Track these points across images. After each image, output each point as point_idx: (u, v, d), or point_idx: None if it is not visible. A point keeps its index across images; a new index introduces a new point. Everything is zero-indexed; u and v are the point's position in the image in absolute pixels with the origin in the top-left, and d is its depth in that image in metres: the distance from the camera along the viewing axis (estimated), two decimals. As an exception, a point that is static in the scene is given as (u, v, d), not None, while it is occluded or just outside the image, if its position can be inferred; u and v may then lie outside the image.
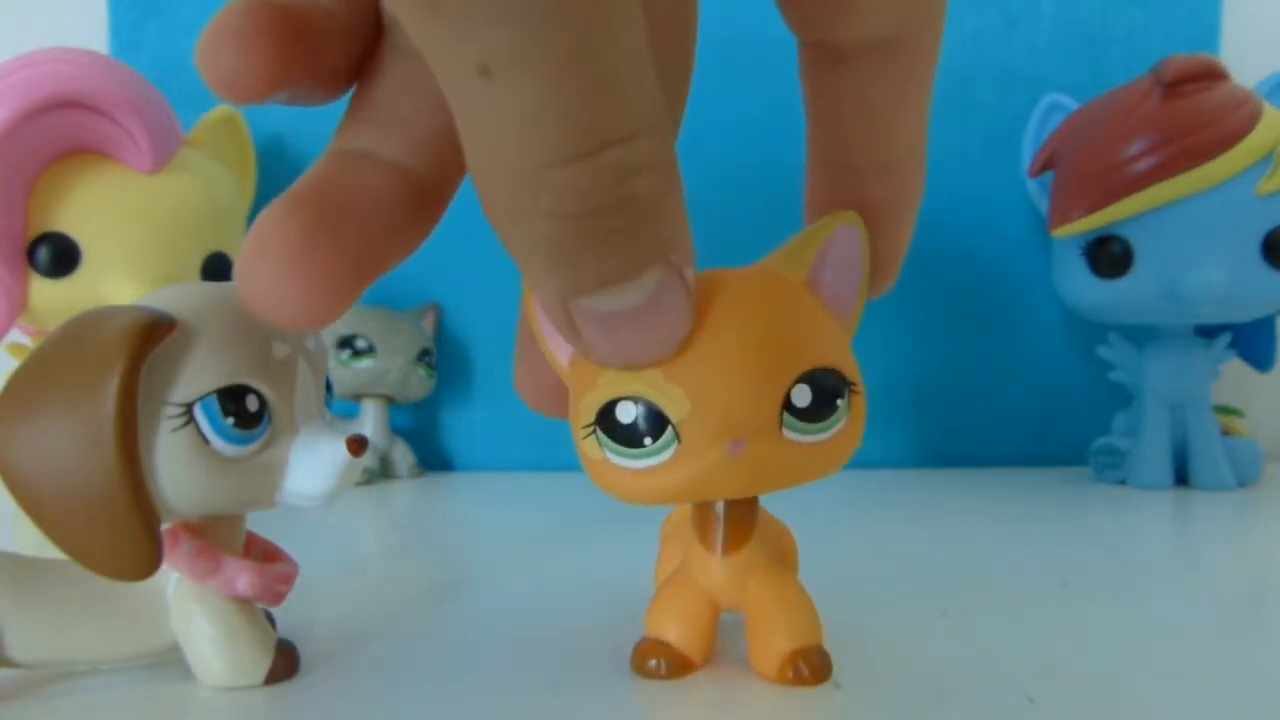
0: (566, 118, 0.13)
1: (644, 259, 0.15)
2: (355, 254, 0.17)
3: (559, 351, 0.20)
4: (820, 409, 0.18)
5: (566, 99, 0.12)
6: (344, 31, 0.17)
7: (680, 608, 0.21)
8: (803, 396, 0.18)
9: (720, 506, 0.21)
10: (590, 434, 0.19)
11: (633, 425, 0.18)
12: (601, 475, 0.19)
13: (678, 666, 0.21)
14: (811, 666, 0.20)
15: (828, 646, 0.21)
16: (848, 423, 0.19)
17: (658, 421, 0.18)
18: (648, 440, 0.18)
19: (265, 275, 0.15)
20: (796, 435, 0.18)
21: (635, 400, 0.18)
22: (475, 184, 0.15)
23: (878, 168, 0.20)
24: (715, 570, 0.21)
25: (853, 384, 0.19)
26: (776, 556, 0.22)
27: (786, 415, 0.18)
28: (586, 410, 0.19)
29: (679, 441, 0.18)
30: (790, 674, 0.20)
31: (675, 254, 0.15)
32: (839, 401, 0.19)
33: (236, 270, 0.16)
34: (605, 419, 0.18)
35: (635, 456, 0.18)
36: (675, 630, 0.21)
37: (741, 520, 0.21)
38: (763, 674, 0.21)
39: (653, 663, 0.21)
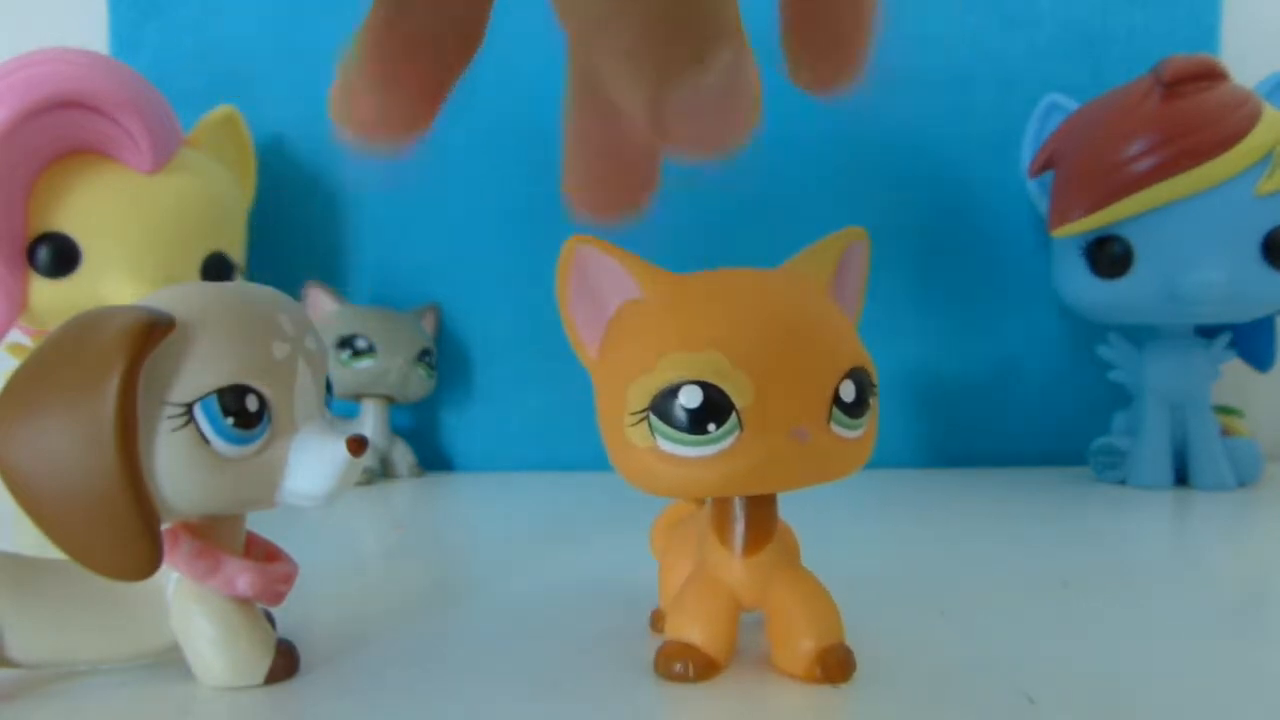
0: None
1: (717, 31, 0.16)
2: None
3: (588, 337, 0.20)
4: (860, 405, 0.19)
5: None
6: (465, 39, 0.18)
7: (704, 609, 0.21)
8: (849, 391, 0.19)
9: (740, 507, 0.21)
10: (641, 420, 0.18)
11: (700, 409, 0.18)
12: (642, 465, 0.19)
13: (704, 668, 0.20)
14: (838, 664, 0.20)
15: (827, 646, 0.21)
16: (871, 421, 0.20)
17: (721, 408, 0.18)
18: (712, 426, 0.18)
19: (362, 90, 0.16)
20: (842, 430, 0.19)
21: (701, 384, 0.18)
22: None
23: None
24: (738, 571, 0.21)
25: (875, 385, 0.20)
26: (794, 556, 0.22)
27: (835, 409, 0.19)
28: (638, 395, 0.18)
29: (742, 428, 0.18)
30: (818, 672, 0.20)
31: (734, 38, 0.16)
32: (870, 400, 0.19)
33: (335, 95, 0.17)
34: (664, 404, 0.18)
35: (695, 444, 0.18)
36: (700, 632, 0.21)
37: (762, 520, 0.21)
38: (788, 672, 0.20)
39: (678, 666, 0.20)
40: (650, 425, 0.18)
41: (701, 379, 0.18)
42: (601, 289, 0.20)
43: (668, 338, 0.19)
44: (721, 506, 0.21)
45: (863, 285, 0.22)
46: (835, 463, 0.19)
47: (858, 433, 0.19)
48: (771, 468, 0.18)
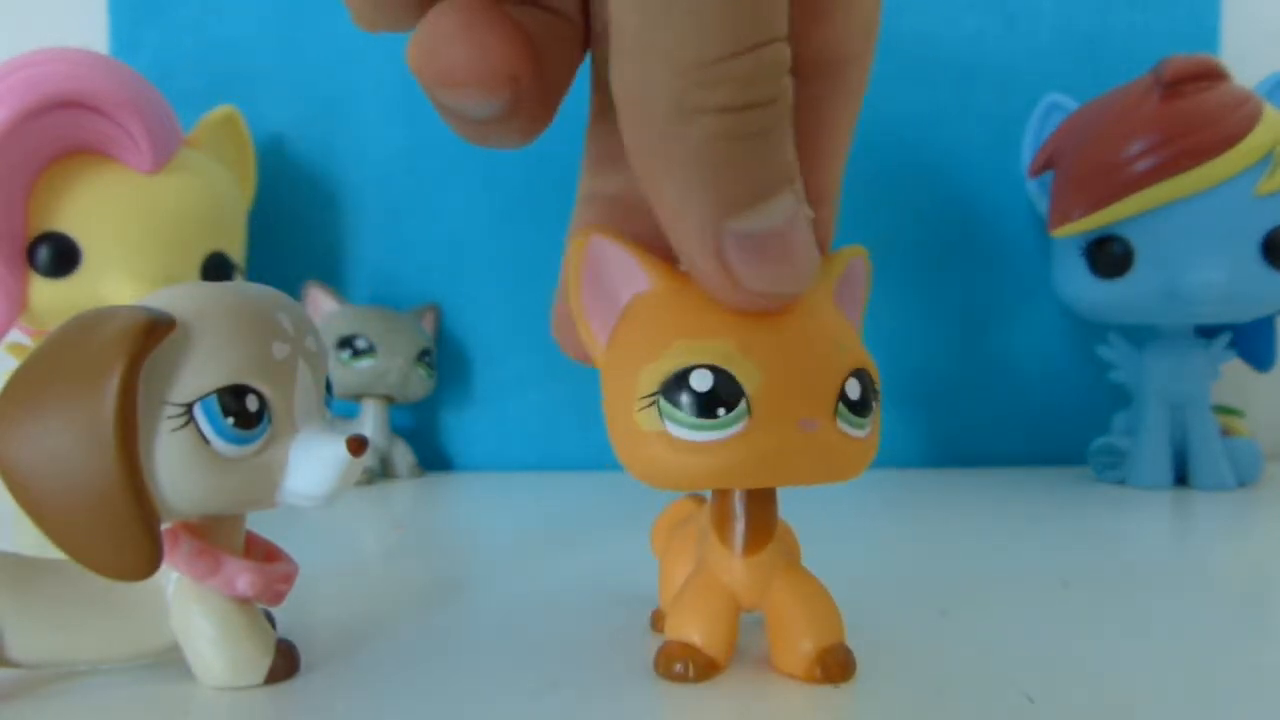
0: (739, 15, 0.15)
1: (781, 176, 0.16)
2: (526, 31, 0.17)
3: (599, 329, 0.21)
4: (864, 404, 0.19)
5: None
6: (563, 42, 0.18)
7: (704, 609, 0.21)
8: (855, 389, 0.19)
9: (740, 506, 0.21)
10: (650, 404, 0.18)
11: (710, 393, 0.18)
12: (649, 452, 0.19)
13: (704, 669, 0.20)
14: (838, 664, 0.20)
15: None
16: (873, 424, 0.20)
17: (734, 391, 0.18)
18: (721, 411, 0.18)
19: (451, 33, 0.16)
20: (847, 428, 0.19)
21: (711, 368, 0.18)
22: (632, 96, 0.16)
23: (816, 203, 0.20)
24: (738, 570, 0.21)
25: (877, 390, 0.20)
26: (794, 556, 0.22)
27: (841, 405, 0.19)
28: (648, 379, 0.18)
29: (750, 415, 0.18)
30: (818, 672, 0.20)
31: (797, 183, 0.17)
32: (874, 401, 0.19)
33: (413, 41, 0.16)
34: (674, 388, 0.18)
35: (704, 428, 0.18)
36: (700, 632, 0.21)
37: (763, 519, 0.21)
38: (788, 673, 0.20)
39: (679, 666, 0.20)
40: (660, 410, 0.18)
41: (712, 363, 0.18)
42: (614, 281, 0.20)
43: (679, 325, 0.19)
44: (722, 505, 0.21)
45: (860, 305, 0.22)
46: (842, 460, 0.19)
47: (862, 433, 0.19)
48: (779, 457, 0.18)
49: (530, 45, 0.17)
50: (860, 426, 0.19)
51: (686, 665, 0.20)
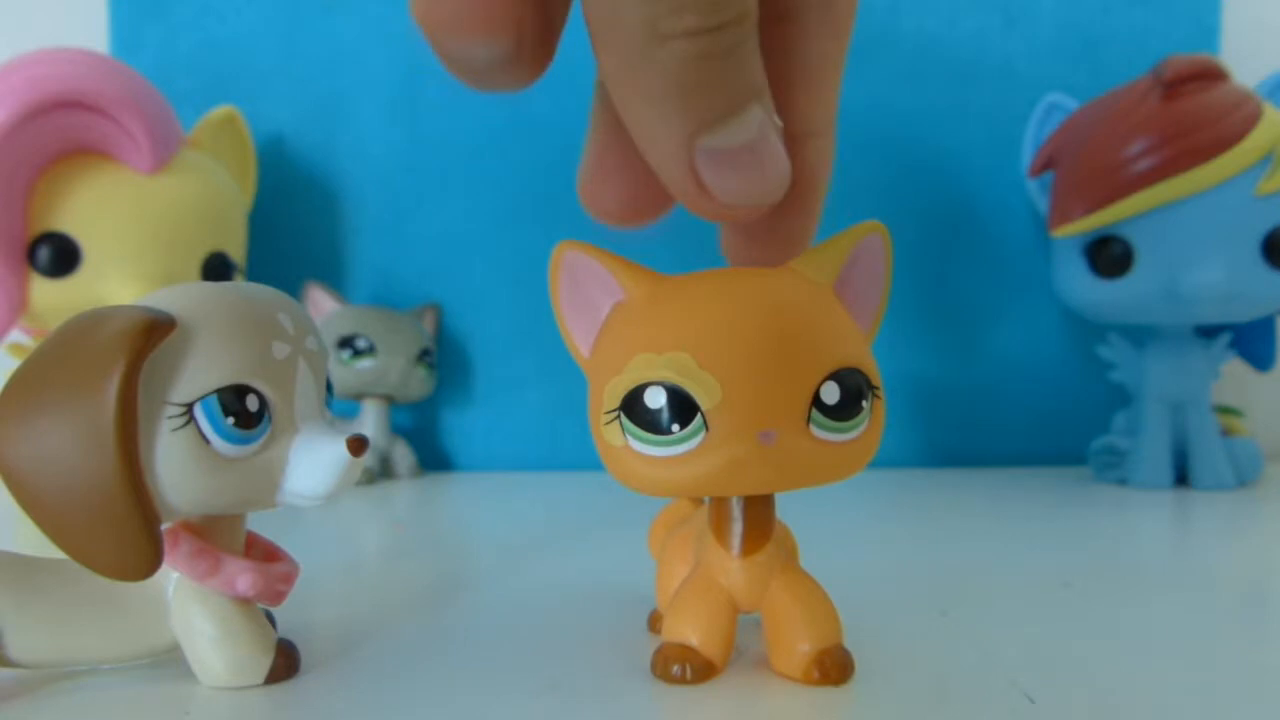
0: None
1: (749, 92, 0.17)
2: None
3: (581, 340, 0.21)
4: (847, 407, 0.18)
5: None
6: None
7: (702, 610, 0.21)
8: (831, 393, 0.18)
9: (738, 507, 0.21)
10: (613, 420, 0.19)
11: (659, 411, 0.18)
12: (620, 464, 0.19)
13: (702, 671, 0.20)
14: (836, 666, 0.20)
15: (828, 645, 0.21)
16: (869, 426, 0.19)
17: (686, 409, 0.18)
18: (675, 428, 0.18)
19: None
20: (823, 433, 0.18)
21: (665, 386, 0.18)
22: (604, 22, 0.16)
23: (810, 133, 0.20)
24: (735, 572, 0.21)
25: (875, 387, 0.19)
26: (792, 557, 0.22)
27: (815, 412, 0.18)
28: (610, 395, 0.19)
29: (706, 430, 0.18)
30: (816, 674, 0.20)
31: (765, 98, 0.17)
32: (864, 402, 0.19)
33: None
34: (631, 404, 0.18)
35: (661, 444, 0.18)
36: (698, 634, 0.20)
37: (760, 520, 0.21)
38: (786, 674, 0.20)
39: (676, 668, 0.20)
40: (622, 425, 0.19)
41: (665, 380, 0.18)
42: (591, 292, 0.21)
43: (639, 339, 0.19)
44: (719, 507, 0.21)
45: (881, 282, 0.21)
46: (817, 467, 0.19)
47: (847, 436, 0.19)
48: (737, 470, 0.18)
49: None
50: (842, 430, 0.19)
51: (684, 667, 0.20)
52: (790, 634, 0.20)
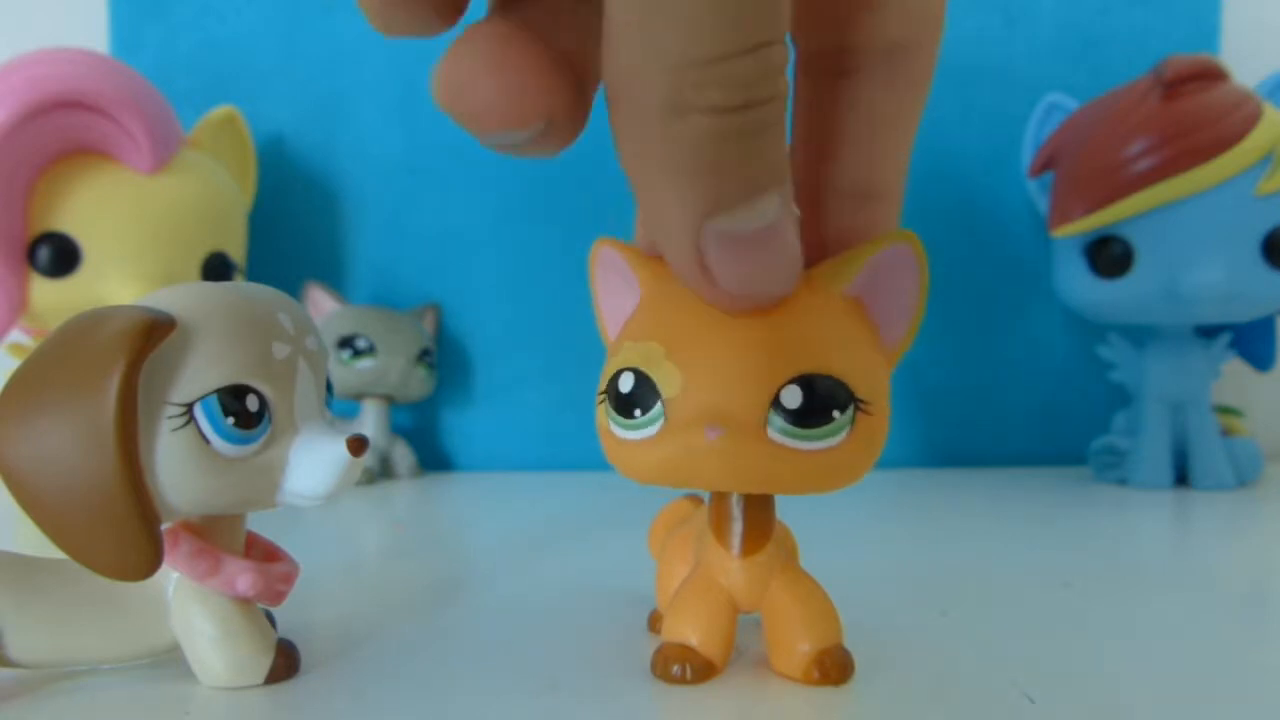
0: (740, 15, 0.14)
1: (770, 177, 0.16)
2: (552, 53, 0.16)
3: (612, 330, 0.22)
4: (812, 415, 0.18)
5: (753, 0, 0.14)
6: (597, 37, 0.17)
7: (702, 610, 0.21)
8: (793, 398, 0.18)
9: (738, 507, 0.21)
10: (602, 401, 0.20)
11: (629, 395, 0.19)
12: (605, 444, 0.20)
13: (702, 671, 0.20)
14: (836, 666, 0.20)
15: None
16: (848, 439, 0.18)
17: (649, 395, 0.19)
18: (637, 411, 0.19)
19: (471, 68, 0.15)
20: (783, 438, 0.18)
21: (634, 372, 0.19)
22: (622, 87, 0.15)
23: (867, 193, 0.20)
24: (735, 572, 0.21)
25: (863, 401, 0.18)
26: (792, 557, 0.22)
27: (774, 414, 0.18)
28: (603, 378, 0.20)
29: (664, 419, 0.18)
30: (816, 674, 0.20)
31: (786, 185, 0.16)
32: (835, 413, 0.18)
33: (438, 76, 0.16)
34: (610, 388, 0.19)
35: (628, 426, 0.19)
36: (698, 634, 0.20)
37: (759, 520, 0.21)
38: (786, 674, 0.20)
39: (676, 668, 0.20)
40: (606, 406, 0.20)
41: (635, 366, 0.19)
42: (618, 285, 0.22)
43: (630, 328, 0.20)
44: (719, 506, 0.21)
45: (913, 295, 0.20)
46: (776, 473, 0.18)
47: (816, 445, 0.18)
48: (687, 462, 0.18)
49: (565, 74, 0.16)
50: (807, 439, 0.18)
51: (684, 667, 0.20)
52: (790, 634, 0.20)
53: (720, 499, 0.21)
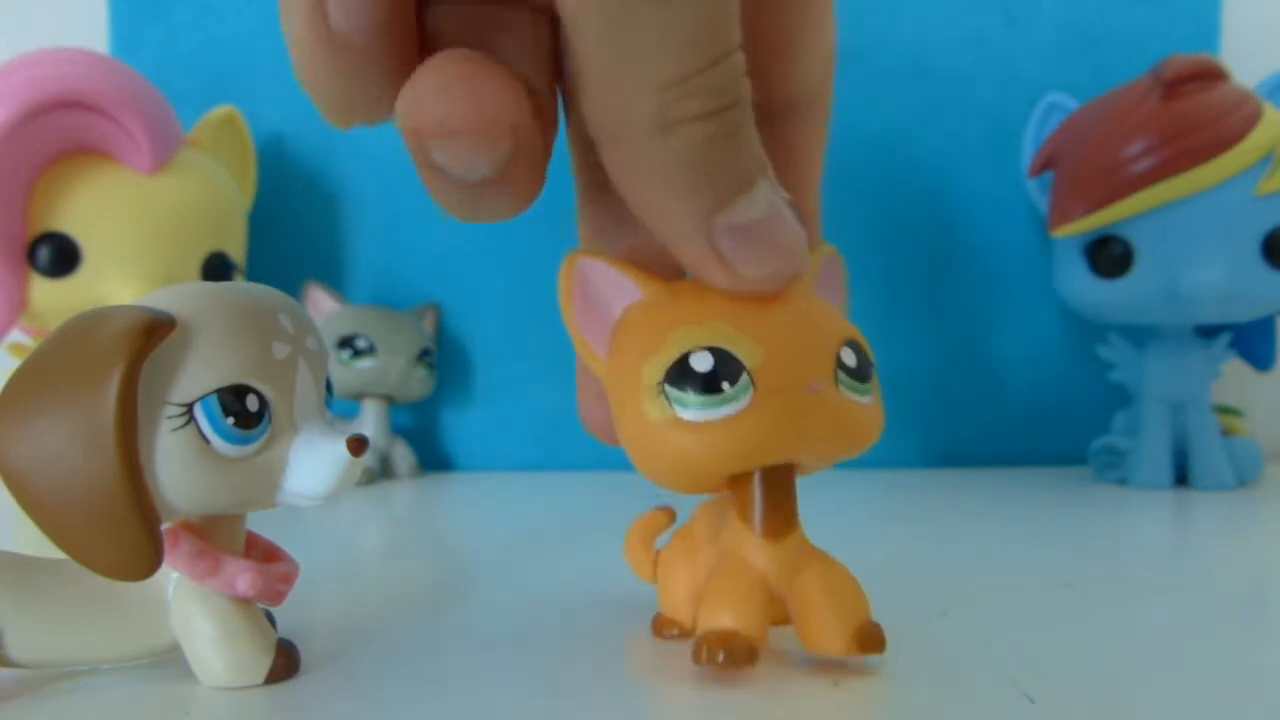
0: (705, 35, 0.16)
1: (756, 167, 0.18)
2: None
3: (597, 345, 0.21)
4: (862, 371, 0.20)
5: (712, 18, 0.16)
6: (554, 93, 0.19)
7: (738, 593, 0.20)
8: (850, 357, 0.20)
9: (759, 488, 0.21)
10: (658, 394, 0.19)
11: (712, 372, 0.19)
12: (664, 444, 0.19)
13: (746, 655, 0.19)
14: (876, 636, 0.20)
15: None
16: (875, 398, 0.21)
17: (733, 367, 0.19)
18: (725, 385, 0.19)
19: (441, 86, 0.16)
20: (849, 393, 0.20)
21: (710, 350, 0.19)
22: (611, 119, 0.17)
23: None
24: (768, 557, 0.20)
25: (872, 361, 0.21)
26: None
27: (840, 372, 0.20)
28: (651, 370, 0.19)
29: (755, 387, 0.19)
30: (856, 646, 0.20)
31: (770, 171, 0.18)
32: (871, 371, 0.20)
33: (404, 97, 0.16)
34: (677, 374, 0.19)
35: (712, 405, 0.19)
36: (738, 617, 0.20)
37: (786, 502, 0.21)
38: (822, 650, 0.20)
39: (721, 654, 0.19)
40: (668, 397, 0.19)
41: (710, 344, 0.19)
42: (604, 297, 0.22)
43: (675, 317, 0.20)
44: (744, 493, 0.21)
45: (843, 299, 0.24)
46: (853, 423, 0.20)
47: (866, 399, 0.20)
48: (791, 421, 0.19)
49: (529, 93, 0.17)
50: (863, 393, 0.20)
51: (728, 652, 0.19)
52: (824, 610, 0.20)
53: (743, 487, 0.21)
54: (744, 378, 0.19)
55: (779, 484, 0.21)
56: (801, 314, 0.20)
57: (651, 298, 0.21)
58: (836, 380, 0.19)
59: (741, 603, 0.20)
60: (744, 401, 0.19)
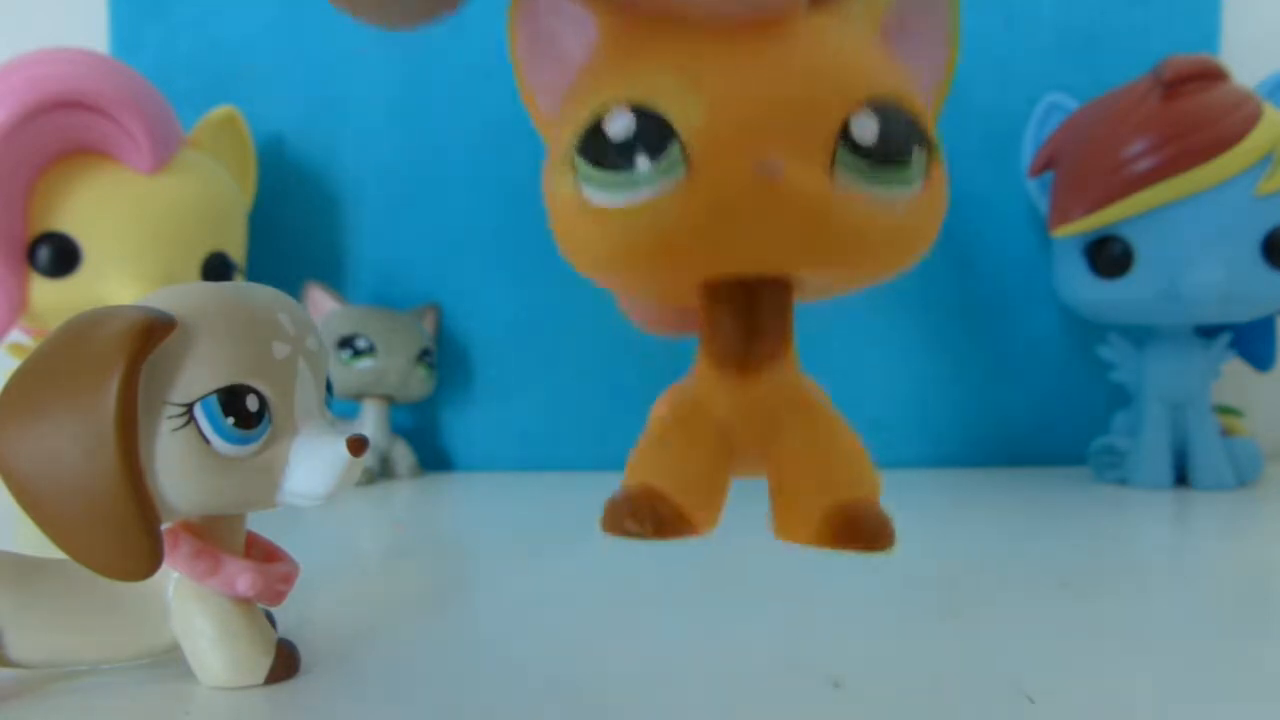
0: None
1: None
2: None
3: (543, 97, 0.16)
4: (891, 150, 0.13)
5: None
6: None
7: (676, 442, 0.15)
8: (867, 128, 0.13)
9: (718, 304, 0.15)
10: (569, 165, 0.14)
11: (627, 141, 0.13)
12: (569, 225, 0.14)
13: (669, 523, 0.14)
14: (859, 521, 0.14)
15: (826, 646, 0.21)
16: (927, 190, 0.14)
17: (659, 136, 0.13)
18: (641, 160, 0.13)
19: None
20: (861, 183, 0.13)
21: (634, 109, 0.13)
22: None
23: None
24: (731, 397, 0.15)
25: (931, 143, 0.14)
26: (817, 394, 0.16)
27: (844, 150, 0.13)
28: (570, 134, 0.14)
29: (686, 164, 0.13)
30: (830, 534, 0.14)
31: None
32: (916, 149, 0.14)
33: None
34: (588, 140, 0.14)
35: (621, 186, 0.13)
36: (667, 474, 0.15)
37: (767, 322, 0.15)
38: (789, 537, 0.15)
39: (631, 523, 0.14)
40: (575, 167, 0.14)
41: (634, 102, 0.13)
42: (553, 30, 0.16)
43: (615, 67, 0.14)
44: (711, 303, 0.15)
45: (948, 32, 0.16)
46: (853, 229, 0.13)
47: (893, 193, 0.13)
48: (730, 217, 0.13)
49: None
50: (888, 184, 0.13)
51: (646, 519, 0.14)
52: (802, 481, 0.15)
53: (714, 293, 0.15)
54: (673, 149, 0.13)
55: (749, 302, 0.15)
56: (799, 62, 0.13)
57: (606, 34, 0.15)
58: (835, 162, 0.13)
59: (680, 456, 0.15)
60: (665, 183, 0.13)
